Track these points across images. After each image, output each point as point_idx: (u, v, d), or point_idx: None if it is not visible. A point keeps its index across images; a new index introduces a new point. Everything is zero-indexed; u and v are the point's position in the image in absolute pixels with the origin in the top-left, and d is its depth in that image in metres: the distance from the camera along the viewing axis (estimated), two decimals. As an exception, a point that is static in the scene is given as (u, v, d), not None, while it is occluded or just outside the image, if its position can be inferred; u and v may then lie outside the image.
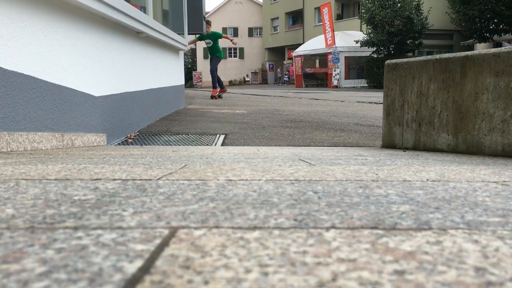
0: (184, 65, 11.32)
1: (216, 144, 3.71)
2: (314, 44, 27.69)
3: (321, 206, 0.86)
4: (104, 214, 0.79)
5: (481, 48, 21.72)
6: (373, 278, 0.49)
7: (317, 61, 28.74)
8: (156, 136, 4.10)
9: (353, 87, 25.44)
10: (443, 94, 2.64)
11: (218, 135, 4.16)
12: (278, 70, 37.31)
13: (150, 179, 1.18)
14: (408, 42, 23.51)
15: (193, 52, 38.41)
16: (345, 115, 6.47)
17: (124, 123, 4.01)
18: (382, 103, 3.24)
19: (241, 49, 40.74)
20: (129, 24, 3.89)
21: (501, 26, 22.45)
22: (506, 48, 2.32)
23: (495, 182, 1.21)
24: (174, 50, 6.75)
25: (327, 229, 0.70)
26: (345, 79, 26.39)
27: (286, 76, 36.09)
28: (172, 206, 0.85)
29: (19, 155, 1.93)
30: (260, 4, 40.65)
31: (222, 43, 9.91)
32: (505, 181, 1.22)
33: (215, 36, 9.60)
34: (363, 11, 24.20)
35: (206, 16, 12.40)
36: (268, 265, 0.53)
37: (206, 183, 1.13)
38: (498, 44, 23.44)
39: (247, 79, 39.91)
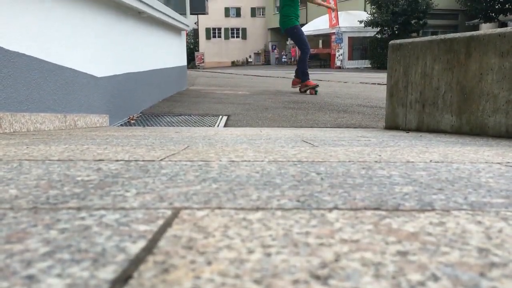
0: (187, 45, 11.04)
1: (218, 125, 3.70)
2: (317, 25, 27.43)
3: (324, 187, 0.86)
4: (107, 194, 0.79)
5: (486, 28, 21.50)
6: (376, 259, 0.49)
7: (320, 41, 28.50)
8: (159, 117, 4.10)
9: (357, 68, 25.27)
10: (447, 74, 2.61)
11: (220, 116, 4.16)
12: (276, 51, 37.10)
13: (153, 160, 1.18)
14: (412, 22, 23.24)
15: (195, 32, 38.12)
16: (348, 96, 6.44)
17: (126, 104, 4.01)
18: (385, 84, 3.22)
19: (244, 30, 40.39)
20: (130, 4, 3.85)
21: (507, 5, 22.16)
22: (511, 28, 2.29)
23: (498, 163, 1.20)
24: (176, 30, 6.69)
25: (330, 210, 0.69)
26: (349, 59, 26.20)
27: (284, 57, 35.88)
28: (174, 187, 0.85)
29: (22, 136, 1.93)
30: (263, -17, 40.17)
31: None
32: (508, 162, 1.21)
33: None
34: (367, -10, 23.90)
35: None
36: (271, 245, 0.53)
37: (208, 164, 1.12)
38: (504, 24, 23.15)
39: (249, 60, 39.64)
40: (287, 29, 6.79)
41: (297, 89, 7.03)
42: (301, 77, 6.77)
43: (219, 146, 1.60)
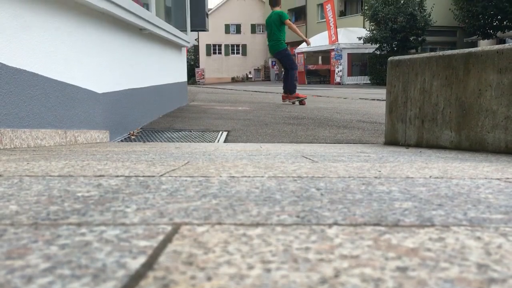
0: (187, 61, 11.06)
1: (218, 141, 3.71)
2: (317, 41, 27.64)
3: (323, 203, 0.86)
4: (107, 210, 0.79)
5: (484, 45, 21.63)
6: (375, 274, 0.49)
7: (320, 57, 28.68)
8: (159, 133, 4.11)
9: (356, 84, 25.39)
10: (446, 91, 2.63)
11: (220, 132, 4.16)
12: (275, 67, 37.35)
13: (153, 176, 1.19)
14: (411, 38, 23.44)
15: (195, 48, 38.38)
16: (347, 112, 6.46)
17: (127, 119, 4.02)
18: (384, 100, 3.24)
19: (244, 46, 40.70)
20: (131, 20, 3.88)
21: (504, 22, 22.36)
22: (509, 44, 2.31)
23: (498, 179, 1.20)
24: (177, 46, 6.74)
25: (330, 225, 0.70)
26: (348, 76, 26.34)
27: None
28: (175, 202, 0.86)
29: (22, 152, 1.93)
30: (263, 0, 40.55)
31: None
32: (508, 178, 1.21)
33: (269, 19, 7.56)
34: (366, 7, 24.14)
35: (209, 12, 12.01)
36: (271, 261, 0.53)
37: (208, 179, 1.13)
38: (502, 41, 23.35)
39: (249, 76, 39.87)
40: (279, 52, 7.49)
41: (288, 103, 7.78)
42: (290, 90, 7.51)
43: (219, 161, 1.60)
